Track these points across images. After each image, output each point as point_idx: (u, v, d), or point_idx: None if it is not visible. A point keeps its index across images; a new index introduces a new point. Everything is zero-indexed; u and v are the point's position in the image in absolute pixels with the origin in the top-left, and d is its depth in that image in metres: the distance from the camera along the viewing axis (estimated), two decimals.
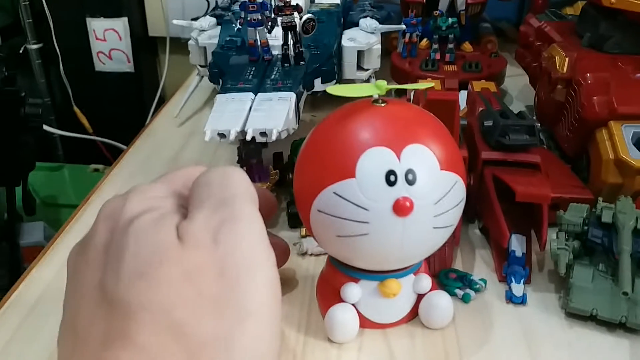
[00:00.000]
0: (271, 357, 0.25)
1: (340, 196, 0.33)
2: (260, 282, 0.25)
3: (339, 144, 0.34)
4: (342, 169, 0.33)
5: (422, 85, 0.38)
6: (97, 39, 1.31)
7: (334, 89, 0.36)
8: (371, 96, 0.35)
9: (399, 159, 0.32)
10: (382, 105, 0.35)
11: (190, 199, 0.27)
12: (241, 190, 0.26)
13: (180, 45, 1.33)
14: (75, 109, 1.38)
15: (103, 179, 0.61)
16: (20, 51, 1.32)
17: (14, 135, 0.81)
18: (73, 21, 1.30)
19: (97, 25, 1.30)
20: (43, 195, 1.19)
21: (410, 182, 0.32)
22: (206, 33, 0.67)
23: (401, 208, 0.32)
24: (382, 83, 0.34)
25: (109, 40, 1.31)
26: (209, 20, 0.69)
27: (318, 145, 0.35)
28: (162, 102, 1.38)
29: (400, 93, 0.65)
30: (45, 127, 1.19)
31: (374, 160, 0.32)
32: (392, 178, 0.32)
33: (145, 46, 1.38)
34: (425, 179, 0.33)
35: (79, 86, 1.37)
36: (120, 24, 1.29)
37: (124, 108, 1.38)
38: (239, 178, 0.27)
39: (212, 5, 1.20)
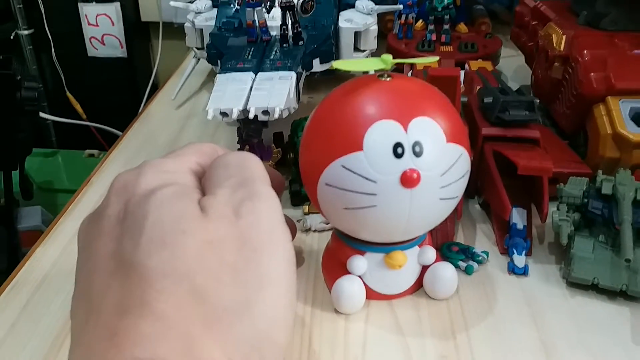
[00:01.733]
0: (286, 327, 0.25)
1: (348, 169, 0.33)
2: (279, 254, 0.25)
3: (346, 118, 0.34)
4: (349, 142, 0.33)
5: (427, 59, 0.39)
6: (89, 24, 1.30)
7: (339, 63, 0.36)
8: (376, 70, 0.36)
9: (406, 131, 0.33)
10: (388, 79, 0.35)
11: (209, 179, 0.27)
12: (259, 173, 0.28)
13: (172, 30, 1.32)
14: (68, 94, 1.37)
15: (103, 161, 0.61)
16: (11, 37, 1.31)
17: (11, 119, 0.80)
18: (65, 6, 1.29)
19: (89, 10, 1.29)
20: (38, 181, 1.18)
21: (417, 154, 0.33)
22: (202, 15, 0.67)
23: (408, 180, 0.32)
24: (388, 57, 0.35)
25: (101, 25, 1.30)
26: (205, 3, 0.69)
27: (325, 119, 0.35)
28: (156, 87, 1.37)
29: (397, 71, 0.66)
30: None
31: (382, 133, 0.33)
32: (399, 150, 0.33)
33: (138, 31, 1.37)
34: (432, 151, 0.33)
35: (72, 72, 1.37)
36: (113, 9, 1.29)
37: (117, 93, 1.38)
38: (256, 162, 0.28)
39: None
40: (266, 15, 0.57)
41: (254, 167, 0.28)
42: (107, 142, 1.38)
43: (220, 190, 0.26)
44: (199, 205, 0.26)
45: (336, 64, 0.36)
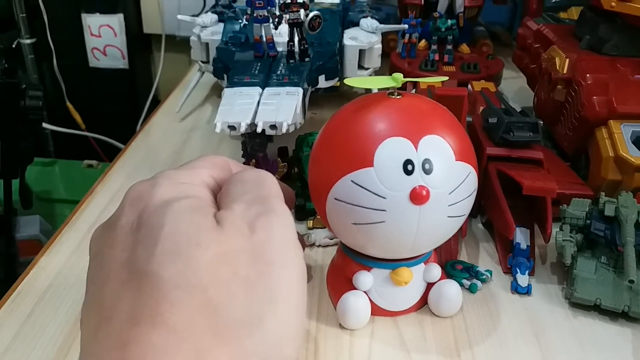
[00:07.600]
0: (296, 342, 0.25)
1: (358, 185, 0.34)
2: (291, 270, 0.26)
3: (357, 134, 0.34)
4: (360, 158, 0.34)
5: (437, 79, 0.39)
6: (92, 34, 1.31)
7: (351, 80, 0.36)
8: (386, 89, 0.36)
9: (416, 149, 0.33)
10: (398, 97, 0.36)
11: (225, 194, 0.28)
12: (274, 191, 0.28)
13: (174, 43, 1.33)
14: (68, 104, 1.37)
15: (106, 172, 0.61)
16: (14, 45, 1.31)
17: (14, 127, 0.80)
18: (68, 16, 1.30)
19: (92, 21, 1.30)
20: (36, 190, 1.18)
21: (427, 172, 0.33)
22: (208, 29, 0.68)
23: (418, 196, 0.33)
24: (399, 76, 0.35)
25: (104, 36, 1.31)
26: (211, 17, 0.70)
27: (336, 134, 0.36)
28: (156, 99, 1.38)
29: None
30: None
31: (392, 150, 0.33)
32: (409, 167, 0.33)
33: (140, 43, 1.38)
34: (442, 169, 0.34)
35: (73, 82, 1.37)
36: (116, 20, 1.29)
37: (117, 105, 1.38)
38: (272, 180, 0.29)
39: (209, 3, 1.22)
40: (273, 31, 0.58)
41: (269, 184, 0.29)
42: (105, 153, 1.38)
43: (236, 205, 0.27)
44: (215, 218, 0.26)
45: (348, 81, 0.36)
